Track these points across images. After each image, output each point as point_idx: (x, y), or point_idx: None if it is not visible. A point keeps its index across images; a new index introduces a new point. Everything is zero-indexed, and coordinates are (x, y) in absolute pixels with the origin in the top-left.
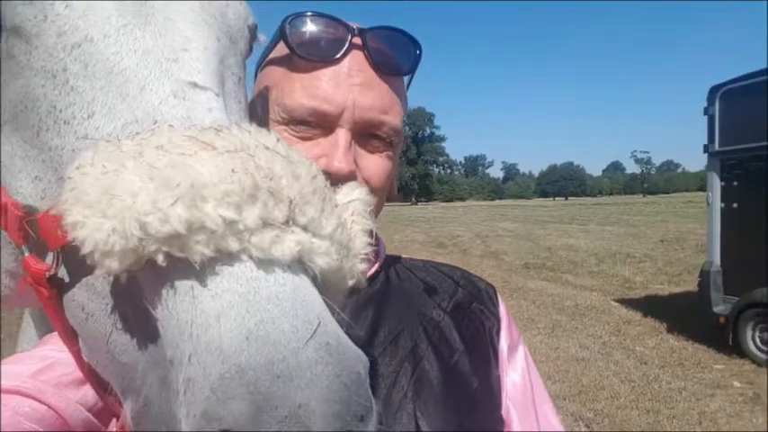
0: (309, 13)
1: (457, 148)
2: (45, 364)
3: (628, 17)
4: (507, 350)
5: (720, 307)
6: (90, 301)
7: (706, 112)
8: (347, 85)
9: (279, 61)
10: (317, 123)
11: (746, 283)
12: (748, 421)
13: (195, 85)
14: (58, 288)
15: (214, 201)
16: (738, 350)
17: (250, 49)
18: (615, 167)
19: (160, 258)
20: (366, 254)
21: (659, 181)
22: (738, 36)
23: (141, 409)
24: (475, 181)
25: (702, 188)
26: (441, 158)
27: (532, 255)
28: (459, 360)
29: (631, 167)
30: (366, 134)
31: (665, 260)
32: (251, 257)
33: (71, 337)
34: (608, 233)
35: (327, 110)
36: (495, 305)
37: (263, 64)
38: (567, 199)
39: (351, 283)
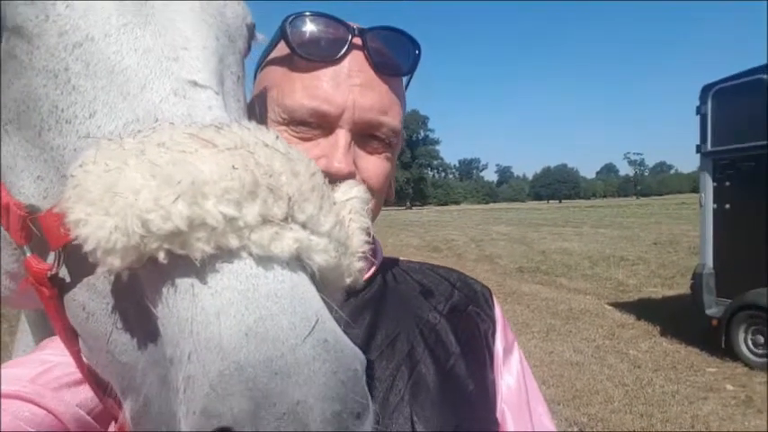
0: (310, 13)
1: (451, 152)
2: (44, 368)
3: (622, 18)
4: (502, 352)
5: (713, 309)
6: (91, 300)
7: (698, 111)
8: (347, 85)
9: (279, 61)
10: (318, 124)
11: (739, 285)
12: (741, 424)
13: (195, 83)
14: (60, 288)
15: (215, 198)
16: (731, 353)
17: (248, 48)
18: (609, 169)
19: (161, 256)
20: (363, 252)
21: (652, 183)
22: (733, 36)
23: (141, 409)
24: (469, 184)
25: (695, 190)
26: (435, 162)
27: (527, 258)
28: (455, 363)
29: (625, 169)
30: (365, 135)
31: (659, 263)
32: (250, 254)
33: (71, 338)
34: (602, 236)
35: (327, 110)
36: (491, 307)
37: (262, 64)
38: (560, 202)
39: (348, 280)
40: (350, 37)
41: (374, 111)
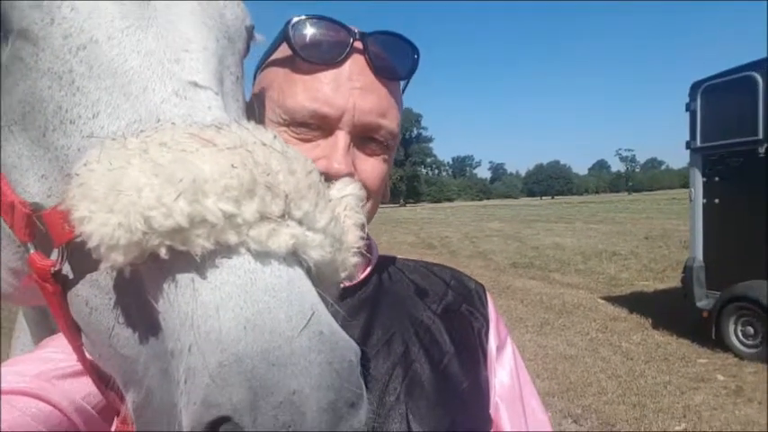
0: (312, 17)
1: (444, 149)
2: (47, 365)
3: (613, 15)
4: (495, 350)
5: (704, 302)
6: (94, 296)
7: (688, 108)
8: (348, 88)
9: (280, 63)
10: (318, 126)
11: (728, 277)
12: (731, 413)
13: (196, 84)
14: (63, 284)
15: (215, 195)
16: (721, 344)
17: (247, 49)
18: (601, 166)
19: (163, 252)
20: (358, 247)
21: (644, 179)
22: (724, 33)
23: (143, 401)
24: (463, 182)
25: (686, 185)
26: (428, 159)
27: (520, 254)
28: (449, 362)
29: (616, 165)
30: (364, 137)
31: (650, 257)
32: (249, 250)
33: (74, 333)
34: (594, 231)
35: (328, 112)
36: (484, 305)
37: (263, 65)
38: (553, 198)
39: (343, 275)
40: (351, 40)
41: (373, 114)
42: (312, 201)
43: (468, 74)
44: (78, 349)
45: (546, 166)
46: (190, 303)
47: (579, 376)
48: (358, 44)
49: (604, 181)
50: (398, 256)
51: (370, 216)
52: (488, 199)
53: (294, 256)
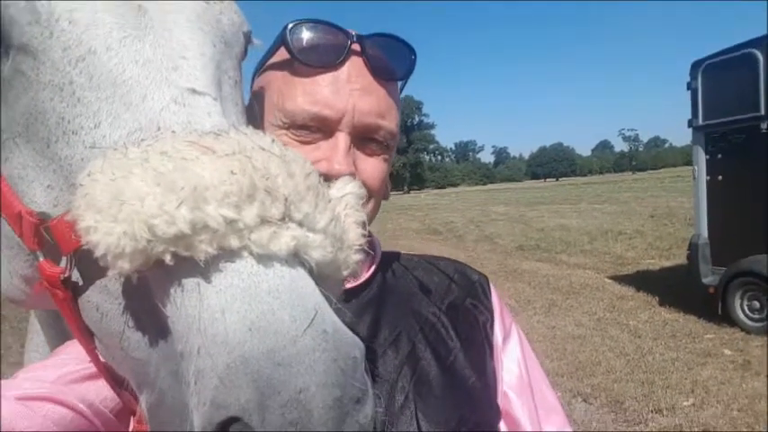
0: (310, 21)
1: (447, 135)
2: (63, 370)
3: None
4: (502, 341)
5: (709, 278)
6: (104, 301)
7: (689, 86)
8: (347, 90)
9: (279, 66)
10: (318, 128)
11: (733, 253)
12: (739, 387)
13: (194, 91)
14: (73, 290)
15: (215, 202)
16: (728, 319)
17: (245, 53)
18: (604, 146)
19: (167, 258)
20: (360, 245)
21: (647, 158)
22: (724, 13)
23: (156, 402)
24: (466, 166)
25: (689, 163)
26: (431, 146)
27: (526, 237)
28: (455, 358)
29: (620, 145)
30: (364, 138)
31: (656, 235)
32: (251, 253)
33: (87, 337)
34: (599, 212)
35: (328, 115)
36: (488, 297)
37: (261, 69)
38: (557, 180)
39: (346, 273)
40: (348, 43)
41: (373, 115)
42: (312, 202)
43: (468, 59)
44: (92, 353)
45: (549, 149)
46: (196, 307)
47: (588, 356)
48: (355, 46)
49: (608, 161)
50: (402, 252)
51: (371, 216)
52: (492, 183)
53: (296, 258)
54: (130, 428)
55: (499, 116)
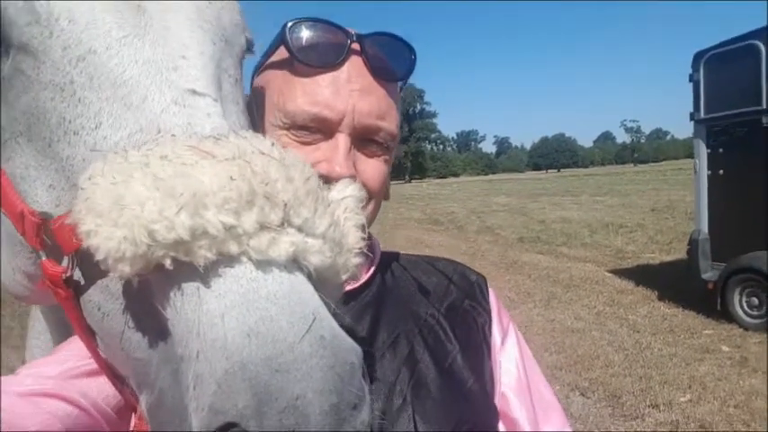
0: (309, 20)
1: (449, 124)
2: (64, 366)
3: None
4: (500, 342)
5: (709, 274)
6: (105, 301)
7: (691, 78)
8: (347, 90)
9: (279, 65)
10: (318, 129)
11: (733, 249)
12: (736, 383)
13: (194, 92)
14: (75, 289)
15: (215, 208)
16: (726, 315)
17: (245, 53)
18: (606, 137)
19: (167, 263)
20: (360, 248)
21: (649, 150)
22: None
23: (156, 402)
24: (468, 156)
25: (691, 155)
26: (432, 135)
27: (527, 228)
28: (453, 361)
29: (622, 137)
30: (364, 139)
31: (656, 229)
32: (250, 259)
33: (88, 335)
34: (600, 204)
35: (328, 116)
36: (486, 298)
37: (261, 68)
38: (559, 171)
39: (345, 277)
40: (348, 42)
41: (373, 116)
42: (311, 207)
43: (471, 47)
44: (93, 350)
45: (551, 139)
46: (196, 311)
47: (586, 349)
48: (355, 46)
49: (610, 153)
50: (401, 252)
51: (372, 217)
52: (494, 173)
53: (295, 263)
54: (131, 425)
55: (501, 106)
